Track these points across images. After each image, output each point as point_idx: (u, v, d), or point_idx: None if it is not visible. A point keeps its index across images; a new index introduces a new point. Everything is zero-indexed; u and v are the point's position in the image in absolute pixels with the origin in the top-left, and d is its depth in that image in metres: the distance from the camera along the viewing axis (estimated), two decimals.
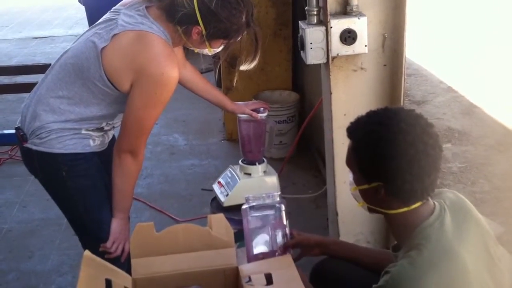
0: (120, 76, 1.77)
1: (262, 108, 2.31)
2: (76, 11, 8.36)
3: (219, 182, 2.42)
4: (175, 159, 4.12)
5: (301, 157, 3.93)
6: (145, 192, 3.66)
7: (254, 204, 1.83)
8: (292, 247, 1.84)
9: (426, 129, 1.43)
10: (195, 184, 3.69)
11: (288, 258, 1.78)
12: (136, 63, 1.75)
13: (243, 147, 2.37)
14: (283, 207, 1.82)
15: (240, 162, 2.39)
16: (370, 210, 1.57)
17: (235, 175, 2.36)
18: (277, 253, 1.81)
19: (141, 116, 1.81)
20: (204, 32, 1.79)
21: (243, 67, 1.97)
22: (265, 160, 2.39)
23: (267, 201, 1.83)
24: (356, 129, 1.51)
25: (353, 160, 1.51)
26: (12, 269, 2.92)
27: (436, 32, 6.90)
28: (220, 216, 1.84)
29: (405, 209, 1.47)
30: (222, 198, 2.34)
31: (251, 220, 1.82)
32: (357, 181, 1.53)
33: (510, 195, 3.40)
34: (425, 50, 6.30)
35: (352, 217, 2.33)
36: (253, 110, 2.30)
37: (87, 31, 1.88)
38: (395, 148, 1.40)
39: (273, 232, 1.83)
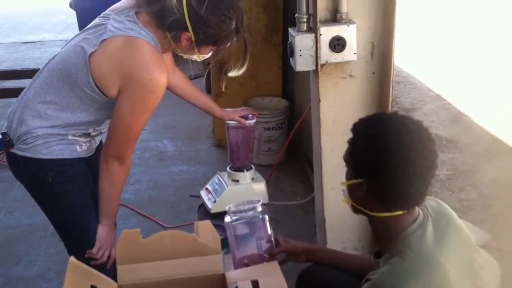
0: (108, 82, 1.77)
1: (250, 115, 2.31)
2: (67, 16, 8.30)
3: (206, 189, 2.42)
4: (163, 165, 4.11)
5: (290, 164, 3.93)
6: (133, 198, 3.64)
7: (236, 217, 1.81)
8: (278, 253, 1.84)
9: (423, 141, 1.44)
10: (183, 190, 3.68)
11: (274, 265, 1.77)
12: (124, 69, 1.74)
13: (231, 154, 2.37)
14: (266, 218, 1.81)
15: (228, 168, 2.38)
16: (354, 208, 1.57)
17: (223, 182, 2.35)
18: (263, 259, 1.80)
19: (128, 122, 1.80)
20: (193, 38, 1.78)
21: (231, 74, 1.97)
22: (253, 167, 2.39)
23: (249, 213, 1.81)
24: (360, 123, 1.53)
25: (348, 152, 1.53)
26: (0, 275, 2.89)
27: (425, 41, 6.95)
28: (207, 222, 1.83)
29: (386, 213, 1.48)
30: (209, 204, 2.33)
31: (236, 229, 1.81)
32: (348, 175, 1.55)
33: (498, 202, 3.42)
34: (414, 58, 6.34)
35: (339, 224, 2.34)
36: (242, 116, 2.29)
37: (76, 36, 1.87)
38: (387, 146, 1.42)
39: (259, 243, 1.82)
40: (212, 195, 2.36)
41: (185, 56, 1.90)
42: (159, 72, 1.74)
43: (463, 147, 4.24)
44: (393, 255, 1.45)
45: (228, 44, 1.86)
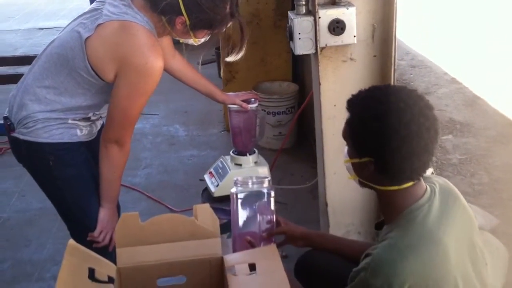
0: (104, 66, 1.78)
1: (253, 99, 2.30)
2: (82, 2, 8.35)
3: (210, 173, 2.43)
4: (174, 149, 4.13)
5: (301, 148, 3.93)
6: (143, 182, 3.67)
7: (242, 188, 1.83)
8: (277, 235, 1.85)
9: (424, 111, 1.42)
10: (193, 175, 3.69)
11: (273, 249, 1.78)
12: (119, 53, 1.75)
13: (234, 138, 2.37)
14: (272, 193, 1.82)
15: (231, 153, 2.39)
16: (361, 184, 1.57)
17: (226, 166, 2.36)
18: (262, 237, 1.81)
19: (126, 106, 1.81)
20: (187, 22, 1.78)
21: (229, 58, 1.97)
22: (256, 151, 2.39)
23: (256, 186, 1.83)
24: (355, 103, 1.51)
25: (348, 133, 1.51)
26: (9, 258, 2.95)
27: (442, 24, 6.84)
28: (206, 206, 1.84)
29: (395, 187, 1.47)
30: (212, 188, 2.34)
31: (239, 203, 1.82)
32: (350, 154, 1.54)
33: (509, 187, 3.37)
34: (430, 42, 6.26)
35: (342, 208, 2.33)
36: (244, 101, 2.29)
37: (73, 21, 1.88)
38: (388, 126, 1.40)
39: (260, 217, 1.83)
40: (215, 178, 2.37)
41: (181, 40, 1.90)
42: (154, 56, 1.75)
43: (477, 131, 4.18)
44: (395, 229, 1.45)
45: (224, 29, 1.85)
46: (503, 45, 5.80)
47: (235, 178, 1.86)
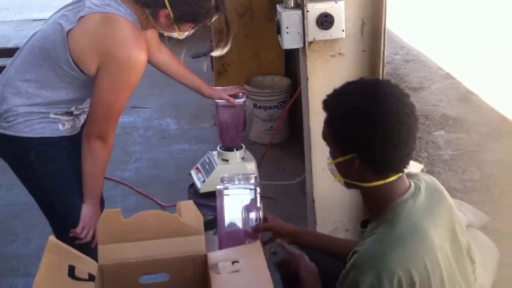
0: (86, 60, 1.74)
1: (241, 94, 2.27)
2: None
3: (197, 168, 2.40)
4: (165, 143, 4.10)
5: (292, 143, 3.90)
6: (133, 177, 3.64)
7: (229, 185, 1.81)
8: (264, 231, 1.82)
9: (401, 98, 1.41)
10: (183, 169, 3.64)
11: (257, 246, 1.76)
12: (102, 46, 1.72)
13: (221, 133, 2.34)
14: (258, 189, 1.80)
15: (218, 148, 2.36)
16: (347, 184, 1.55)
17: (213, 161, 2.33)
18: (248, 234, 1.79)
19: (108, 101, 1.78)
20: (171, 15, 1.75)
21: (215, 53, 1.94)
22: (243, 146, 2.36)
23: (242, 183, 1.81)
24: (331, 100, 1.48)
25: (328, 133, 1.49)
26: None
27: (437, 18, 6.80)
28: (190, 203, 1.82)
29: (381, 182, 1.45)
30: (198, 184, 2.31)
31: (225, 199, 1.80)
32: (333, 154, 1.51)
33: (501, 183, 3.35)
34: (426, 36, 6.23)
35: (330, 205, 2.30)
36: (232, 95, 2.26)
37: (56, 12, 1.85)
38: (368, 117, 1.39)
39: (247, 214, 1.81)
40: (201, 174, 2.34)
41: (166, 34, 1.86)
42: (138, 50, 1.71)
43: (470, 126, 4.16)
44: (381, 224, 1.44)
45: (209, 22, 1.82)
46: (499, 40, 5.78)
47: (221, 175, 1.84)
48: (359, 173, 1.46)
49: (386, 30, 2.05)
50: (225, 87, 2.32)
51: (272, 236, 1.87)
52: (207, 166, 2.35)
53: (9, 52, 5.17)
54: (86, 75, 1.78)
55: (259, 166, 3.35)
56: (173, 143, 4.09)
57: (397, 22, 6.76)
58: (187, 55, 6.03)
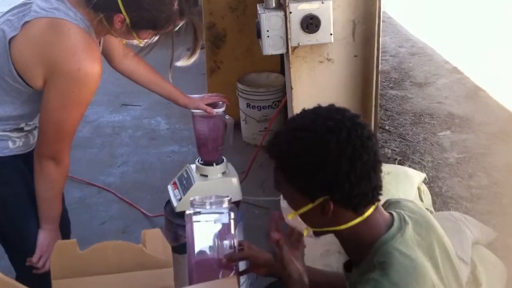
0: (31, 71, 1.52)
1: (220, 102, 2.05)
2: None
3: (174, 183, 2.18)
4: (154, 145, 3.89)
5: None
6: (118, 182, 3.44)
7: (199, 209, 1.61)
8: (239, 260, 1.62)
9: (355, 120, 1.26)
10: (171, 174, 3.35)
11: (232, 281, 1.57)
12: (47, 56, 1.49)
13: (199, 146, 2.12)
14: (232, 215, 1.60)
15: (196, 162, 2.14)
16: (318, 233, 1.36)
17: (191, 176, 2.11)
18: (222, 262, 1.59)
19: (58, 119, 1.56)
20: (127, 20, 1.52)
21: (179, 63, 1.71)
22: (224, 159, 2.14)
23: (214, 207, 1.61)
24: (278, 144, 1.28)
25: (284, 181, 1.28)
26: None
27: (446, 9, 6.52)
28: (156, 231, 1.63)
29: (358, 219, 1.29)
30: (174, 202, 2.10)
31: (195, 226, 1.60)
32: (296, 203, 1.30)
33: (509, 191, 3.12)
34: (432, 27, 5.96)
35: None
36: (210, 104, 2.03)
37: (0, 16, 1.62)
38: (330, 150, 1.22)
39: (220, 241, 1.60)
40: (178, 191, 2.13)
41: (124, 41, 1.64)
42: (89, 61, 1.49)
43: (477, 126, 3.92)
44: (372, 269, 1.25)
45: (171, 28, 1.59)
46: (508, 34, 5.50)
47: (191, 198, 1.63)
48: (334, 216, 1.27)
49: (380, 33, 1.82)
50: (202, 95, 2.09)
51: (248, 267, 1.67)
52: (184, 182, 2.13)
53: None
54: (32, 88, 1.56)
55: (248, 170, 3.15)
56: (162, 144, 3.88)
57: (403, 13, 6.51)
58: (183, 49, 5.83)
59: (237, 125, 3.73)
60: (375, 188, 1.28)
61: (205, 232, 1.62)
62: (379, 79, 1.88)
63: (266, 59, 3.86)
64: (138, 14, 1.51)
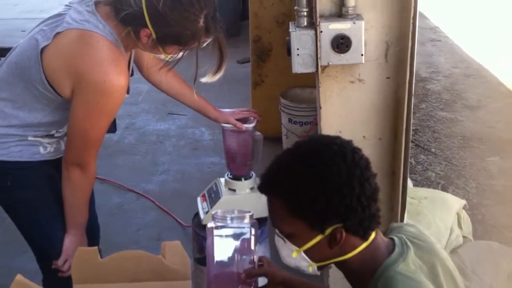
0: (60, 80, 1.57)
1: (251, 118, 2.05)
2: None
3: (203, 195, 2.20)
4: (196, 155, 3.93)
5: None
6: (157, 190, 3.49)
7: (220, 224, 1.61)
8: (257, 276, 1.61)
9: (351, 146, 1.28)
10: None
11: None
12: (75, 67, 1.53)
13: (228, 161, 2.13)
14: (253, 231, 1.60)
15: (225, 176, 2.14)
16: (321, 267, 1.35)
17: (219, 190, 2.12)
18: (241, 277, 1.58)
19: (84, 128, 1.60)
20: (153, 35, 1.54)
21: (204, 79, 1.72)
22: (253, 175, 2.13)
23: (236, 222, 1.61)
24: (279, 180, 1.26)
25: (289, 217, 1.25)
26: (3, 265, 2.82)
27: (503, 31, 6.31)
28: (176, 243, 1.65)
29: (364, 244, 1.27)
30: (202, 214, 2.11)
31: (216, 240, 1.60)
32: (302, 239, 1.27)
33: None
34: (489, 49, 5.78)
35: None
36: (241, 119, 2.04)
37: (36, 26, 1.68)
38: (342, 174, 1.21)
39: (239, 257, 1.60)
40: (206, 203, 2.14)
41: (152, 55, 1.66)
42: (115, 73, 1.52)
43: None
44: None
45: (197, 45, 1.60)
46: None
47: (213, 212, 1.64)
48: (343, 245, 1.25)
49: (415, 55, 1.77)
50: (233, 110, 2.09)
51: (267, 283, 1.66)
52: (213, 195, 2.14)
53: None
54: (62, 97, 1.60)
55: None
56: (204, 155, 3.92)
57: (459, 33, 6.34)
58: (233, 60, 5.85)
59: (278, 140, 3.76)
60: (379, 210, 1.28)
61: (225, 246, 1.62)
62: (412, 101, 1.83)
63: (310, 75, 3.84)
64: (163, 29, 1.53)
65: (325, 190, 1.20)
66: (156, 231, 3.08)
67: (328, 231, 1.23)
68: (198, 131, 4.27)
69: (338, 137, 1.31)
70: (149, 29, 1.53)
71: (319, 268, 1.34)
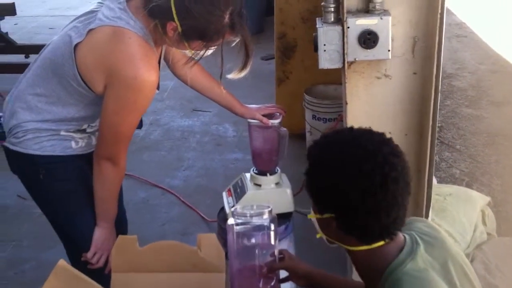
0: (93, 76, 1.60)
1: (277, 113, 2.07)
2: None
3: (228, 190, 2.23)
4: (220, 151, 3.96)
5: None
6: (181, 185, 3.53)
7: (240, 220, 1.65)
8: (278, 269, 1.65)
9: (389, 159, 1.24)
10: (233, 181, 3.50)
11: None
12: (108, 64, 1.57)
13: (254, 156, 2.15)
14: (272, 227, 1.63)
15: (251, 171, 2.16)
16: (329, 242, 1.38)
17: (245, 185, 2.15)
18: (262, 271, 1.63)
19: (116, 122, 1.64)
20: (179, 29, 1.56)
21: (230, 75, 1.73)
22: (278, 170, 2.15)
23: (255, 218, 1.64)
24: (314, 148, 1.32)
25: (307, 184, 1.32)
26: (33, 258, 2.88)
27: None
28: (211, 236, 1.68)
29: (365, 247, 1.28)
30: (227, 209, 2.14)
31: (236, 236, 1.64)
32: (313, 208, 1.35)
33: None
34: None
35: None
36: (266, 115, 2.05)
37: (70, 22, 1.72)
38: (346, 178, 1.23)
39: (260, 251, 1.64)
40: (232, 198, 2.17)
41: (178, 50, 1.68)
42: (146, 69, 1.55)
43: None
44: None
45: (221, 41, 1.62)
46: None
47: (233, 208, 1.67)
48: (338, 235, 1.29)
49: (442, 50, 1.77)
50: (259, 106, 2.11)
51: (288, 275, 1.68)
52: (238, 190, 2.17)
53: None
54: (94, 93, 1.64)
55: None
56: (227, 151, 3.94)
57: (486, 28, 6.27)
58: (257, 56, 5.85)
59: (302, 136, 3.77)
60: (386, 228, 1.26)
61: (246, 242, 1.65)
62: (438, 98, 1.83)
63: (335, 71, 3.81)
64: (188, 22, 1.55)
65: (325, 180, 1.25)
66: (181, 226, 3.12)
67: (324, 215, 1.28)
68: (222, 127, 4.30)
69: (383, 144, 1.28)
70: (175, 22, 1.55)
71: (327, 241, 1.37)
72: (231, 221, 1.61)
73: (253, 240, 1.62)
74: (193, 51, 1.64)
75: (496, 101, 4.57)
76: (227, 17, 1.58)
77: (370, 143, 1.25)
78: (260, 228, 1.60)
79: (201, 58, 1.66)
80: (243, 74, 1.72)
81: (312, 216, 1.35)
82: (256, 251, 1.62)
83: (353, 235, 1.27)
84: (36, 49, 4.49)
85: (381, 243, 1.28)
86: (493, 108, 4.46)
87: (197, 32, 1.58)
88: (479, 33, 6.25)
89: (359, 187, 1.21)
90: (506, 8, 6.78)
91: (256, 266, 1.62)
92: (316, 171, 1.29)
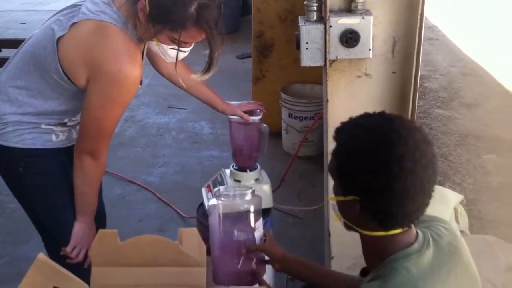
0: (76, 70, 1.60)
1: (257, 110, 2.08)
2: None
3: (208, 186, 2.23)
4: (196, 148, 3.96)
5: None
6: (157, 182, 3.52)
7: (222, 201, 1.66)
8: (256, 250, 1.66)
9: (420, 146, 1.23)
10: (209, 178, 3.48)
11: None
12: (91, 58, 1.56)
13: (234, 152, 2.16)
14: (252, 208, 1.64)
15: (231, 167, 2.18)
16: (346, 226, 1.37)
17: (224, 181, 2.15)
18: (241, 251, 1.65)
19: (98, 117, 1.63)
20: (147, 8, 1.53)
21: (194, 76, 1.72)
22: (258, 166, 2.17)
23: (238, 199, 1.66)
24: (342, 130, 1.31)
25: (333, 166, 1.31)
26: (6, 253, 2.85)
27: (502, 31, 6.37)
28: (193, 230, 1.66)
29: (382, 233, 1.28)
30: (207, 204, 2.14)
31: (218, 217, 1.65)
32: (336, 190, 1.34)
33: None
34: (487, 49, 5.83)
35: (349, 238, 2.07)
36: (247, 112, 2.07)
37: (52, 16, 1.70)
38: (376, 160, 1.21)
39: (240, 232, 1.65)
40: (212, 193, 2.17)
41: (145, 41, 1.65)
42: (130, 64, 1.55)
43: None
44: (375, 278, 1.28)
45: (181, 32, 1.57)
46: None
47: (215, 189, 1.67)
48: (359, 218, 1.29)
49: (421, 51, 1.82)
50: (241, 102, 2.12)
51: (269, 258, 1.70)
52: (218, 185, 2.17)
53: None
54: (77, 87, 1.63)
55: (283, 178, 3.18)
56: (204, 148, 3.95)
57: (457, 32, 6.39)
58: (233, 54, 5.85)
59: (278, 134, 3.80)
60: (408, 216, 1.26)
61: (227, 222, 1.66)
62: (417, 97, 1.87)
63: (311, 70, 3.83)
64: (157, 4, 1.52)
65: (354, 163, 1.24)
66: (157, 222, 3.11)
67: (349, 197, 1.27)
68: (198, 125, 4.30)
69: (416, 130, 1.26)
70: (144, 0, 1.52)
71: (345, 225, 1.36)
72: (213, 201, 1.62)
73: (234, 221, 1.63)
74: (159, 44, 1.61)
75: (467, 103, 4.67)
76: (193, 7, 1.53)
77: (403, 128, 1.24)
78: (241, 209, 1.61)
79: (178, 58, 1.63)
80: (207, 76, 1.67)
81: (334, 198, 1.33)
82: (236, 231, 1.63)
83: (374, 220, 1.26)
84: (7, 43, 4.42)
85: (399, 230, 1.27)
86: (464, 109, 4.56)
87: (161, 14, 1.53)
88: (450, 37, 6.37)
89: (389, 171, 1.20)
90: (477, 12, 6.93)
91: (236, 246, 1.64)
92: (346, 153, 1.27)
